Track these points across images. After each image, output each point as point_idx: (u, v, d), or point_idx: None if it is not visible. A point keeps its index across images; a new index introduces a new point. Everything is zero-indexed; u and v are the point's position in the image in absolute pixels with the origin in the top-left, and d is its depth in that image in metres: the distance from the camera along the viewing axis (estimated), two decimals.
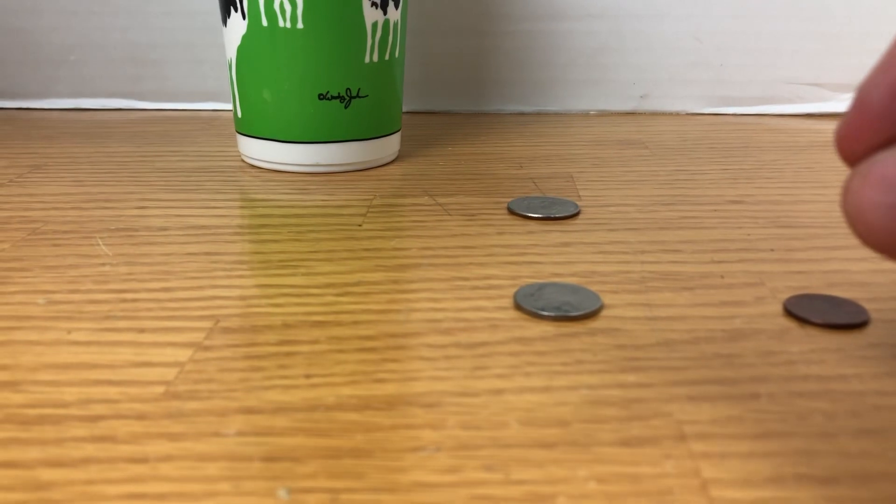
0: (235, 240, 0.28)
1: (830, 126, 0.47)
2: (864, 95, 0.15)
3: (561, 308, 0.22)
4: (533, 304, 0.23)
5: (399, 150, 0.40)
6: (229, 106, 0.51)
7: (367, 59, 0.36)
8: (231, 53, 0.36)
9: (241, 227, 0.30)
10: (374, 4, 0.35)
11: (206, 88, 0.51)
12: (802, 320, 0.22)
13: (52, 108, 0.52)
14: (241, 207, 0.32)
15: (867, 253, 0.27)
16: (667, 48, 0.49)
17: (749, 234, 0.29)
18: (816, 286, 0.24)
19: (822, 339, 0.21)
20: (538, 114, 0.50)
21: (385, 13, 0.36)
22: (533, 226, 0.29)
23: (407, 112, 0.51)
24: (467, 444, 0.17)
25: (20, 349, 0.20)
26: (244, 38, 0.35)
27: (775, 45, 0.49)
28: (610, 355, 0.20)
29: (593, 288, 0.24)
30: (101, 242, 0.27)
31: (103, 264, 0.26)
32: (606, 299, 0.23)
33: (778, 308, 0.23)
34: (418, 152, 0.40)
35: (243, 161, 0.38)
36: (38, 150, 0.41)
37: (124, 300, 0.23)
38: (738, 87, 0.50)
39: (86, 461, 0.16)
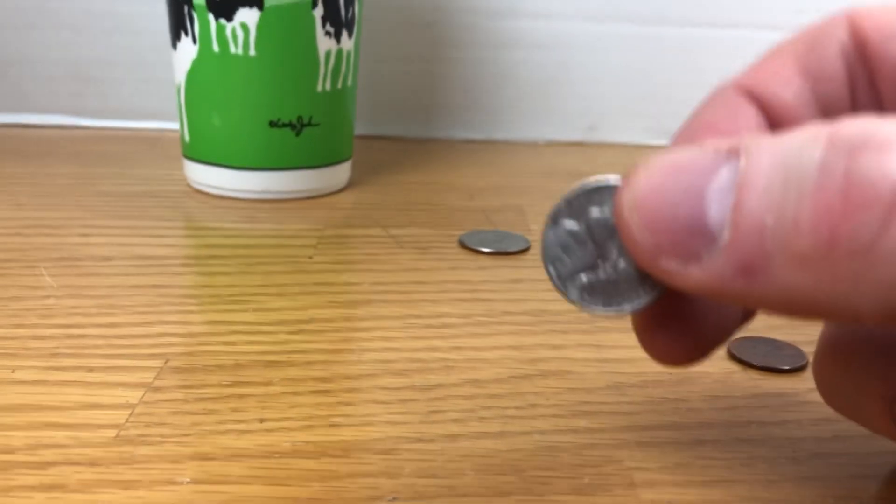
0: (183, 272, 0.28)
1: None
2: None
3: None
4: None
5: (350, 178, 0.40)
6: (174, 125, 0.50)
7: (319, 88, 0.36)
8: (180, 77, 0.36)
9: (188, 257, 0.29)
10: (327, 33, 0.35)
11: (151, 107, 0.50)
12: (745, 363, 0.23)
13: None
14: (189, 236, 0.32)
15: None
16: (615, 80, 0.50)
17: None
18: (759, 329, 0.25)
19: (764, 383, 0.22)
20: (487, 141, 0.50)
21: (338, 42, 0.36)
22: (484, 260, 0.30)
23: (356, 136, 0.50)
24: (424, 494, 0.17)
25: None
26: (194, 63, 0.35)
27: (722, 79, 0.50)
28: (562, 399, 0.21)
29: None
30: (45, 273, 0.27)
31: (48, 296, 0.25)
32: (556, 339, 0.24)
33: (722, 351, 0.24)
34: (369, 179, 0.40)
35: (189, 186, 0.38)
36: None
37: (71, 336, 0.23)
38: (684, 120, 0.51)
39: None
